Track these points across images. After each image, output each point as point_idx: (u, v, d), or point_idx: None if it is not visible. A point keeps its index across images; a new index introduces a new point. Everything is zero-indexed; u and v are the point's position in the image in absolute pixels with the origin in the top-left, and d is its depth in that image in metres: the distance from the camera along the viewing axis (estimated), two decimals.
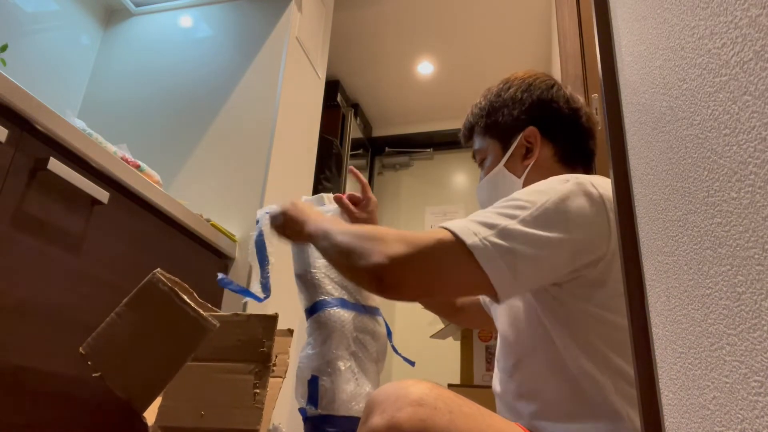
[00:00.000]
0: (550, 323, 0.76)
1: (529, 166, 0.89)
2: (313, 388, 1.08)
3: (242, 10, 1.90)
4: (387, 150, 3.55)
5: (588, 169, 0.93)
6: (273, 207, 1.09)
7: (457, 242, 0.69)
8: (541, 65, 2.89)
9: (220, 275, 1.03)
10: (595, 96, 1.60)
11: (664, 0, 0.38)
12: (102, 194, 0.99)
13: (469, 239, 0.69)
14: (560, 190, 0.73)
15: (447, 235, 0.70)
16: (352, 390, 1.08)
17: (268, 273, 1.02)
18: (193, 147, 1.72)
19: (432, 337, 1.97)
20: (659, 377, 0.41)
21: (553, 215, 0.70)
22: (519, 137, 0.91)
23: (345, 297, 1.13)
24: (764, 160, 0.24)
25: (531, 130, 0.90)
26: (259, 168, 1.63)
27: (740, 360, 0.27)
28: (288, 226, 0.94)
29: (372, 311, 1.18)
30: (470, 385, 1.74)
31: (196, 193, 1.62)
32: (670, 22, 0.36)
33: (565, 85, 0.96)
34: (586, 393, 0.71)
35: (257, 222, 1.04)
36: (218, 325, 0.72)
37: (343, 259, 0.76)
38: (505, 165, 0.91)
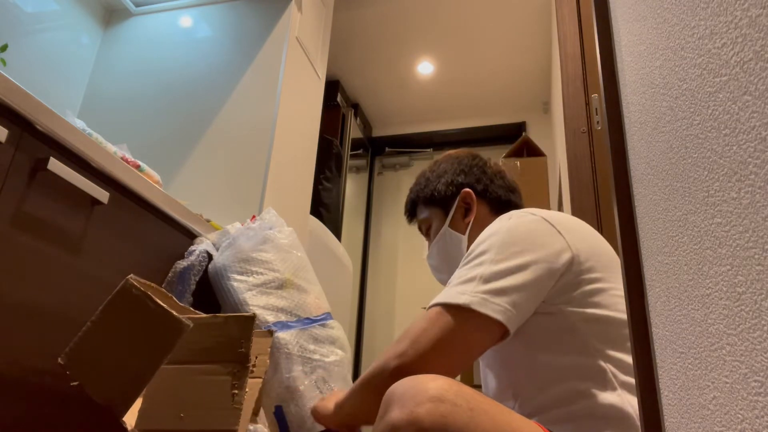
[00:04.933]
0: (538, 337, 0.77)
1: (471, 223, 1.00)
2: (280, 418, 1.08)
3: (242, 11, 1.90)
4: (387, 150, 3.55)
5: None
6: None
7: (452, 309, 0.73)
8: (541, 65, 2.89)
9: None
10: (595, 96, 1.60)
11: (664, 0, 0.38)
12: (102, 194, 0.98)
13: (461, 300, 0.72)
14: (509, 225, 0.81)
15: (438, 310, 0.74)
16: None
17: None
18: (193, 147, 1.71)
19: None
20: (659, 377, 0.41)
21: (513, 245, 0.77)
22: (457, 200, 1.03)
23: (283, 319, 1.13)
24: (764, 160, 0.24)
25: (466, 192, 1.02)
26: (259, 168, 1.63)
27: (740, 360, 0.27)
28: (323, 421, 0.95)
29: (320, 319, 1.18)
30: (470, 384, 1.74)
31: (196, 193, 1.62)
32: (670, 22, 0.36)
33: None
34: (589, 392, 0.72)
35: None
36: (191, 325, 0.72)
37: (368, 395, 0.78)
38: (450, 225, 1.02)
